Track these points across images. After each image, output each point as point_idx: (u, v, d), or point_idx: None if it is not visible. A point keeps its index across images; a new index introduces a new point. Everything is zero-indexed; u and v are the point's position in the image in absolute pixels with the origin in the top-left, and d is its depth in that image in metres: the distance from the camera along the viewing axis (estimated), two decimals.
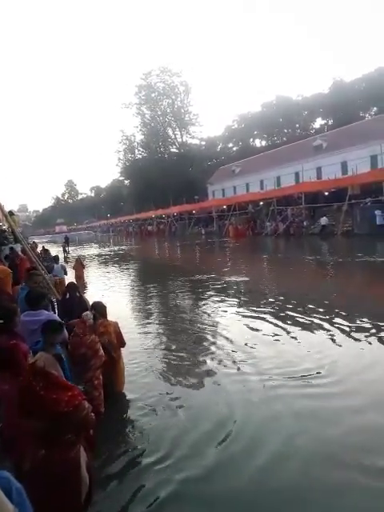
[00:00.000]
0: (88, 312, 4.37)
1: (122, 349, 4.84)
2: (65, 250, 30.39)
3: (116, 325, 4.75)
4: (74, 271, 13.45)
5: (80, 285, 10.18)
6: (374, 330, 6.42)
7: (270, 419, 3.95)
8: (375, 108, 57.50)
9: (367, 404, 4.13)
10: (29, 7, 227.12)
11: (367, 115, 58.07)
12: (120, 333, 4.75)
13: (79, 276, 13.10)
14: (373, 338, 6.12)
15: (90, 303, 5.07)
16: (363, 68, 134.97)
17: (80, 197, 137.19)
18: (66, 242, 31.99)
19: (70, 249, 33.66)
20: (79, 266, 13.47)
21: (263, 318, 7.66)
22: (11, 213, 13.70)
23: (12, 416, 2.71)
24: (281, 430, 3.73)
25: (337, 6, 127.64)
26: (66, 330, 3.93)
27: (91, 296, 9.35)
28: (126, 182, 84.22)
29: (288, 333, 6.69)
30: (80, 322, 4.22)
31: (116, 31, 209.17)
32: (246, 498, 2.93)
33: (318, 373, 4.92)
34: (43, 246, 17.64)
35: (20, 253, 10.09)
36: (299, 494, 2.93)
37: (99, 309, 4.68)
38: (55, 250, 26.22)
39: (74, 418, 2.41)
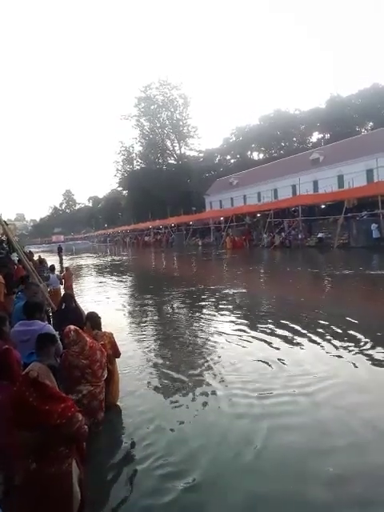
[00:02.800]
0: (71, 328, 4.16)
1: (116, 360, 4.81)
2: (61, 260, 30.38)
3: (111, 336, 4.71)
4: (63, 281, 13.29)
5: None
6: (364, 347, 6.38)
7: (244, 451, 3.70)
8: (371, 123, 58.43)
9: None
10: (30, 17, 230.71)
11: (363, 130, 58.96)
12: (115, 344, 4.72)
13: (68, 286, 12.93)
14: (362, 356, 6.06)
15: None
16: (359, 83, 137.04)
17: (78, 206, 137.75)
18: (60, 252, 32.13)
19: (64, 258, 33.57)
20: (69, 275, 13.35)
21: (258, 335, 7.59)
22: (6, 223, 13.69)
23: (5, 427, 2.67)
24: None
25: (334, 23, 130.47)
26: (60, 342, 3.89)
27: (85, 306, 9.29)
28: (124, 192, 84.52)
29: (281, 349, 6.66)
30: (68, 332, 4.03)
31: (116, 43, 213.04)
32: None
33: (302, 395, 4.74)
34: (39, 256, 17.53)
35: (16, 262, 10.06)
36: None
37: (93, 320, 4.66)
38: (52, 259, 26.12)
39: (67, 430, 2.38)
